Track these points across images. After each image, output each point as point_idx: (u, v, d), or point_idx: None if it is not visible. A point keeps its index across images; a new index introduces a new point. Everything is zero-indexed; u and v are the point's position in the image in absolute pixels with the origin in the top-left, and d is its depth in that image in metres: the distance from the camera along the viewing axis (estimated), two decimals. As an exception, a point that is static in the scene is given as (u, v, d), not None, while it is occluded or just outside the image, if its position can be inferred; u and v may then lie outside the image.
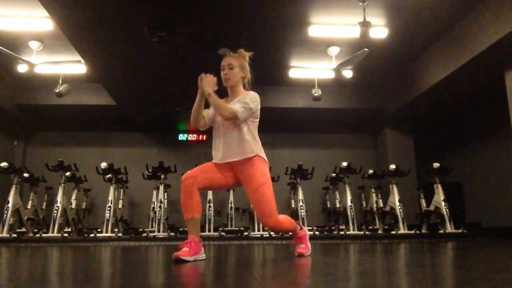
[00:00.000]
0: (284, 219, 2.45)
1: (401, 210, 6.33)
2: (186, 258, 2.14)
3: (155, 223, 6.65)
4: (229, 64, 2.42)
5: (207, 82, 2.36)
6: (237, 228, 7.30)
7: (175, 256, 2.13)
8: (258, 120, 2.42)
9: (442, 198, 6.31)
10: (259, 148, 2.39)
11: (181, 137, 9.47)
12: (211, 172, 2.34)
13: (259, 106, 2.39)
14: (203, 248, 2.32)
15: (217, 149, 2.39)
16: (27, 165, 7.88)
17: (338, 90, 8.23)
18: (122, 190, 7.97)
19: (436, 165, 6.54)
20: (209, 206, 7.23)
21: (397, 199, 6.43)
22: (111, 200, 6.25)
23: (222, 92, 2.49)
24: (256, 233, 6.44)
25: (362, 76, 7.50)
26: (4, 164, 6.09)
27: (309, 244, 2.58)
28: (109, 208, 6.18)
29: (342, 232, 6.20)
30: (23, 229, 6.37)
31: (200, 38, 5.62)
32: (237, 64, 2.43)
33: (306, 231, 2.62)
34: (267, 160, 2.42)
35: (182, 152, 9.25)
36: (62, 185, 6.33)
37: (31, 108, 8.37)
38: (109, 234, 5.95)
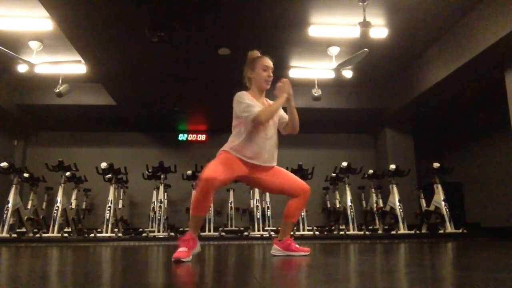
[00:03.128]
0: None
1: (401, 210, 6.33)
2: (185, 259, 2.14)
3: (155, 223, 6.65)
4: (272, 67, 2.51)
5: (289, 88, 2.53)
6: (237, 228, 7.30)
7: (175, 258, 2.14)
8: None
9: (442, 198, 6.31)
10: None
11: (181, 137, 9.47)
12: (232, 172, 2.31)
13: None
14: (198, 241, 2.31)
15: (261, 151, 2.38)
16: (27, 165, 7.88)
17: (338, 90, 8.23)
18: (122, 190, 7.98)
19: (436, 165, 6.54)
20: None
21: (397, 199, 6.43)
22: (111, 200, 6.25)
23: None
24: (256, 233, 6.44)
25: (362, 76, 7.50)
26: (4, 164, 6.09)
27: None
28: (109, 208, 6.18)
29: (342, 232, 6.20)
30: (23, 229, 6.37)
31: (200, 38, 5.62)
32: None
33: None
34: None
35: (182, 152, 9.26)
36: (62, 185, 6.33)
37: (31, 108, 8.37)
38: (109, 234, 5.95)
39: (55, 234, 5.91)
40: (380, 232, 6.68)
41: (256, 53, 2.57)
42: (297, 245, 2.57)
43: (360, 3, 4.86)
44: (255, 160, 2.37)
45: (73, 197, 7.36)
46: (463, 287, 1.23)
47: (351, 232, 6.27)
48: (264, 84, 2.47)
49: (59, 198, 6.19)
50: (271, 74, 2.48)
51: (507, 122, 5.46)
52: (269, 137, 2.41)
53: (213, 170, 2.20)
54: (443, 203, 6.27)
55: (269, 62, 2.49)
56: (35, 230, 6.37)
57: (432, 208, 6.47)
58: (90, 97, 8.12)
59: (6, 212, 5.92)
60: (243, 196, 7.72)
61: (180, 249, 2.18)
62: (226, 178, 2.25)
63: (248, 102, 2.37)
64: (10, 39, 5.98)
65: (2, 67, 7.04)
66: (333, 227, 7.03)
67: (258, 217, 6.70)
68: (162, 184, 6.79)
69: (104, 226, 6.09)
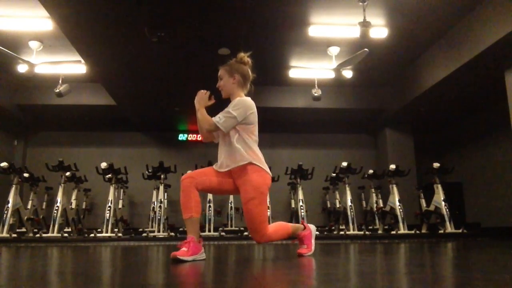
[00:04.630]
0: (275, 230, 2.37)
1: (401, 210, 6.33)
2: (183, 258, 2.13)
3: (155, 223, 6.65)
4: (219, 75, 2.44)
5: (199, 98, 2.41)
6: (237, 228, 7.31)
7: (173, 255, 2.13)
8: (252, 125, 2.32)
9: (442, 198, 6.31)
10: (255, 156, 2.29)
11: (181, 137, 9.48)
12: (211, 175, 2.33)
13: (250, 111, 2.29)
14: (203, 248, 2.31)
15: (219, 158, 2.39)
16: (27, 165, 7.89)
17: (338, 90, 8.23)
18: (122, 190, 7.98)
19: (436, 165, 6.54)
20: (209, 206, 7.24)
21: (397, 199, 6.43)
22: (111, 200, 6.25)
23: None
24: (256, 233, 6.43)
25: (362, 76, 7.50)
26: (4, 164, 6.09)
27: (313, 244, 2.54)
28: (109, 208, 6.18)
29: (342, 232, 6.20)
30: (23, 229, 6.37)
31: (200, 38, 5.62)
32: (224, 73, 2.41)
33: (312, 230, 2.55)
34: (266, 169, 2.32)
35: (182, 152, 9.26)
36: (62, 185, 6.33)
37: (31, 108, 8.37)
38: (109, 234, 5.95)
39: (55, 234, 5.91)
40: (380, 232, 6.68)
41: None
42: (300, 248, 2.51)
43: (360, 3, 4.86)
44: (216, 168, 2.37)
45: (73, 197, 7.36)
46: (463, 287, 1.23)
47: (351, 232, 6.27)
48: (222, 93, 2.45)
49: (59, 198, 6.19)
50: (219, 85, 2.42)
51: (507, 122, 5.46)
52: (220, 144, 2.40)
53: (190, 172, 2.34)
54: (443, 203, 6.27)
55: (219, 72, 2.44)
56: (35, 230, 6.37)
57: (432, 208, 6.47)
58: (90, 97, 8.12)
59: (6, 212, 5.92)
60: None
61: (181, 249, 2.18)
62: (203, 179, 2.27)
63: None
64: (10, 39, 5.98)
65: (2, 67, 7.04)
66: (333, 227, 7.03)
67: (258, 217, 6.69)
68: (162, 184, 6.79)
69: (104, 226, 6.09)
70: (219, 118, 2.27)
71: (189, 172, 2.37)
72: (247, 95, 2.45)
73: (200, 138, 2.53)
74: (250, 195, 2.25)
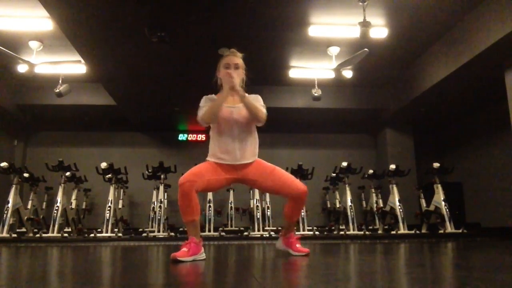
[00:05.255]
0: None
1: (401, 210, 6.32)
2: (183, 259, 2.13)
3: (155, 223, 6.65)
4: (236, 63, 2.40)
5: (237, 81, 2.34)
6: (237, 228, 7.30)
7: (173, 256, 2.14)
8: None
9: (442, 198, 6.31)
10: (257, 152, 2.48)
11: (181, 137, 9.48)
12: (209, 174, 2.29)
13: None
14: (203, 248, 2.31)
15: (230, 150, 2.32)
16: (27, 165, 7.88)
17: (338, 90, 8.24)
18: (122, 190, 7.97)
19: (436, 165, 6.53)
20: (209, 206, 7.23)
21: (397, 199, 6.43)
22: (111, 200, 6.25)
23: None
24: (256, 233, 6.44)
25: (362, 76, 7.50)
26: (4, 164, 6.09)
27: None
28: (109, 208, 6.18)
29: (342, 232, 6.19)
30: (23, 229, 6.36)
31: (200, 38, 5.62)
32: (242, 65, 2.43)
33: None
34: None
35: (182, 152, 9.26)
36: (62, 185, 6.33)
37: (31, 108, 8.37)
38: (109, 234, 5.95)
39: (55, 234, 5.91)
40: (380, 232, 6.68)
41: (225, 51, 2.54)
42: (298, 245, 2.54)
43: (360, 3, 4.86)
44: (224, 160, 2.33)
45: (73, 197, 7.35)
46: (463, 287, 1.23)
47: (351, 232, 6.27)
48: (228, 81, 2.32)
49: (59, 198, 6.18)
50: (233, 71, 2.35)
51: (507, 122, 5.46)
52: (236, 135, 2.34)
53: (187, 174, 2.22)
54: (443, 203, 6.27)
55: (231, 59, 2.39)
56: (35, 230, 6.37)
57: (432, 208, 6.46)
58: (90, 97, 8.12)
59: (6, 212, 5.91)
60: (243, 196, 7.72)
61: (181, 250, 2.18)
62: (202, 181, 2.23)
63: (201, 105, 2.38)
64: (10, 39, 5.98)
65: (2, 67, 7.04)
66: (333, 227, 7.03)
67: (258, 217, 6.69)
68: (162, 184, 6.79)
69: (104, 226, 6.09)
70: (265, 111, 2.40)
71: (186, 174, 2.21)
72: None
73: (212, 122, 2.33)
74: (270, 167, 2.40)
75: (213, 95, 2.45)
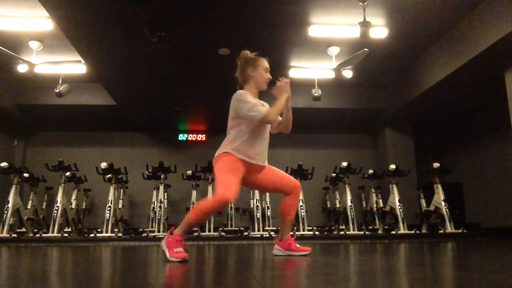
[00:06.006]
0: None
1: (401, 210, 6.33)
2: (172, 259, 2.12)
3: (155, 223, 6.65)
4: (268, 67, 2.64)
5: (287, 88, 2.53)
6: (237, 228, 7.30)
7: (179, 258, 2.11)
8: None
9: (442, 198, 6.30)
10: None
11: (181, 137, 9.47)
12: (239, 176, 2.33)
13: None
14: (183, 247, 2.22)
15: (262, 151, 2.45)
16: (27, 165, 7.88)
17: (338, 90, 8.23)
18: (122, 190, 7.97)
19: (436, 165, 6.53)
20: (209, 206, 7.22)
21: (397, 199, 6.43)
22: (111, 200, 6.25)
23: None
24: (256, 233, 6.44)
25: (362, 76, 7.50)
26: (4, 164, 6.09)
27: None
28: (109, 208, 6.18)
29: (342, 232, 6.19)
30: (23, 229, 6.37)
31: (200, 38, 5.62)
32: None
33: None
34: None
35: (182, 152, 9.26)
36: (62, 185, 6.33)
37: (31, 108, 8.37)
38: (109, 234, 5.95)
39: (55, 234, 5.91)
40: (380, 232, 6.68)
41: (250, 53, 2.62)
42: (297, 245, 2.56)
43: (360, 3, 4.85)
44: (256, 160, 2.38)
45: (73, 197, 7.35)
46: (463, 287, 1.23)
47: (351, 232, 6.27)
48: (264, 84, 2.54)
49: (59, 198, 6.18)
50: (270, 76, 2.58)
51: (507, 122, 5.46)
52: (265, 137, 2.50)
53: (229, 188, 2.18)
54: (443, 203, 6.27)
55: (267, 64, 2.64)
56: (35, 230, 6.37)
57: (432, 208, 6.46)
58: (90, 97, 8.12)
59: (6, 212, 5.92)
60: (243, 196, 7.66)
61: (176, 250, 2.14)
62: (239, 189, 2.28)
63: (253, 102, 2.39)
64: (10, 39, 5.98)
65: (2, 67, 7.04)
66: (333, 227, 7.03)
67: (258, 217, 6.70)
68: (162, 184, 6.79)
69: (104, 226, 6.09)
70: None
71: (230, 190, 2.16)
72: None
73: (282, 130, 2.61)
74: (270, 167, 2.57)
75: (246, 91, 2.47)
